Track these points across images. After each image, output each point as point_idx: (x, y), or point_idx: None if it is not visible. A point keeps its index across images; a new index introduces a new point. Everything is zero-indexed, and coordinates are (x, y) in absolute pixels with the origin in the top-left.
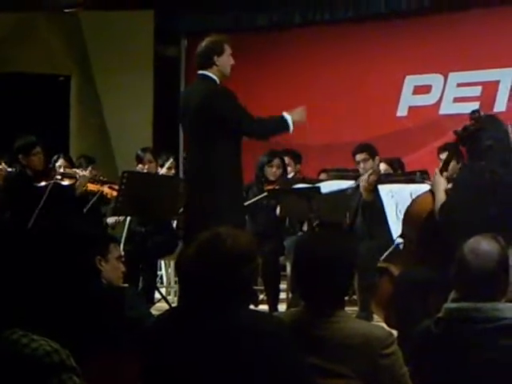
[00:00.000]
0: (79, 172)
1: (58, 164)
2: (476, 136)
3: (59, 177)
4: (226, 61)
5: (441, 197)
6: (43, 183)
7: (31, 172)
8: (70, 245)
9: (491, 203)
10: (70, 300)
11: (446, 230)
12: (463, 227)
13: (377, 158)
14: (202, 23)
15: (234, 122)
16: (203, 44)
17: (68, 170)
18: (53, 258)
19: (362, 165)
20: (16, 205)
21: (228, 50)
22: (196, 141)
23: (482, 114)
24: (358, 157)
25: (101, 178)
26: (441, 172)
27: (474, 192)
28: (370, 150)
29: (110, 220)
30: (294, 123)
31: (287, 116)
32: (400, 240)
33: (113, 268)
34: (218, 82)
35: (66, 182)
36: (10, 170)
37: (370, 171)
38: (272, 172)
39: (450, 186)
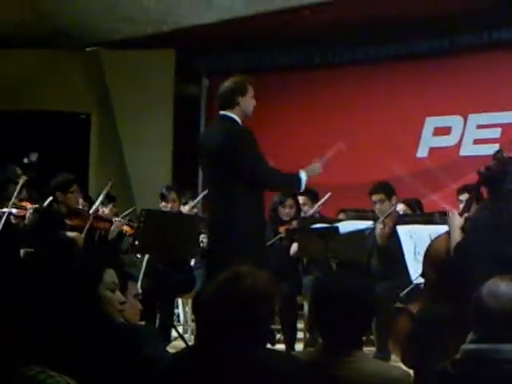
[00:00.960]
0: (116, 218)
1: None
2: (499, 177)
3: (96, 217)
4: (248, 101)
5: (456, 236)
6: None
7: (66, 209)
8: (87, 281)
9: (508, 244)
10: (86, 337)
11: (461, 269)
12: (478, 267)
13: (394, 198)
14: (224, 63)
15: (247, 165)
16: (226, 84)
17: (104, 213)
18: (69, 295)
19: (378, 205)
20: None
21: (251, 90)
22: (214, 182)
23: (504, 154)
24: (375, 197)
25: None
26: (462, 213)
27: (491, 232)
28: (386, 191)
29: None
30: (307, 180)
31: (302, 175)
32: (420, 279)
33: (130, 306)
34: (239, 122)
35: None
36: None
37: (385, 215)
38: (285, 212)
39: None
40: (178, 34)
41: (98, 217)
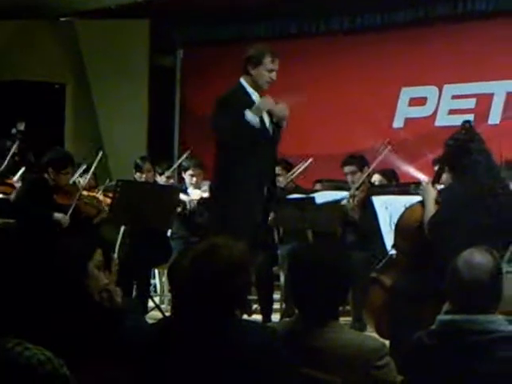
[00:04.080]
0: (104, 206)
1: None
2: (466, 147)
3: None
4: (261, 73)
5: (430, 208)
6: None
7: (57, 190)
8: (78, 257)
9: (482, 215)
10: (64, 307)
11: (435, 242)
12: (453, 239)
13: (366, 169)
14: (199, 33)
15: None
16: (248, 50)
17: (90, 194)
18: (48, 264)
19: (349, 177)
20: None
21: (268, 63)
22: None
23: (472, 125)
24: (347, 169)
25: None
26: (433, 184)
27: (462, 203)
28: (358, 162)
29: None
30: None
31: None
32: (393, 251)
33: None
34: (246, 88)
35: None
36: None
37: (356, 186)
38: None
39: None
40: (153, 3)
41: (86, 202)
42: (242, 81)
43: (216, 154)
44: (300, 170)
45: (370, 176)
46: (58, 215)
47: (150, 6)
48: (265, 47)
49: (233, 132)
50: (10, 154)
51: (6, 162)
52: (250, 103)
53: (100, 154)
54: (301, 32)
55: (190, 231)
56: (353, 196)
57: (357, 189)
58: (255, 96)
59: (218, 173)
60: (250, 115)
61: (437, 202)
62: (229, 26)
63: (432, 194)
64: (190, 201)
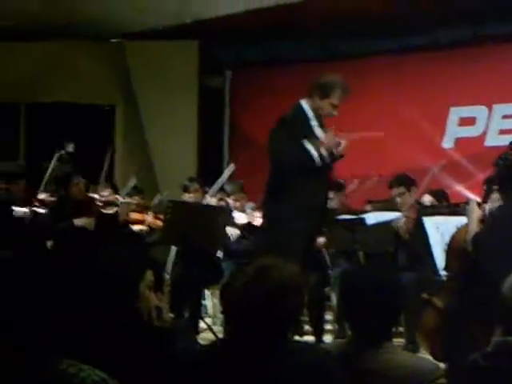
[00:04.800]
0: (120, 198)
1: (104, 193)
2: None
3: (101, 204)
4: (324, 106)
5: (473, 227)
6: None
7: (71, 203)
8: (129, 278)
9: None
10: (115, 328)
11: (481, 260)
12: (500, 258)
13: (414, 189)
14: (247, 54)
15: (270, 152)
16: (322, 76)
17: (110, 197)
18: (108, 290)
19: (398, 199)
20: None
21: (335, 99)
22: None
23: None
24: (394, 191)
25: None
26: (482, 203)
27: (507, 224)
28: (406, 183)
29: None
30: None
31: (309, 147)
32: (445, 272)
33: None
34: (307, 113)
35: (108, 211)
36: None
37: (406, 208)
38: None
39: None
40: (201, 25)
41: (103, 202)
42: (304, 104)
43: (270, 175)
44: (350, 190)
45: (419, 196)
46: (77, 221)
47: (197, 27)
48: (338, 80)
49: (289, 156)
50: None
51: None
52: (309, 129)
53: (136, 177)
54: (352, 52)
55: (239, 253)
56: (404, 217)
57: (407, 210)
58: (314, 123)
59: (271, 193)
60: (309, 146)
61: (481, 221)
62: (276, 47)
63: (476, 213)
64: (232, 234)
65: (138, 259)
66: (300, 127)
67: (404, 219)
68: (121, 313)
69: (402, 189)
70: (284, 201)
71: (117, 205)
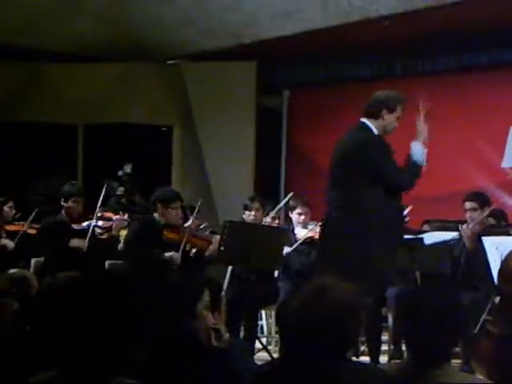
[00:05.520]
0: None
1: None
2: None
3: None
4: (391, 120)
5: None
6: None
7: (164, 222)
8: (188, 298)
9: None
10: (173, 348)
11: None
12: None
13: (486, 208)
14: (305, 75)
15: (387, 176)
16: (379, 94)
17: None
18: (168, 310)
19: (469, 213)
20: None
21: (399, 111)
22: (343, 185)
23: None
24: (468, 205)
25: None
26: None
27: None
28: (480, 200)
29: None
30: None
31: (414, 155)
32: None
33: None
34: (375, 132)
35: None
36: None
37: (475, 222)
38: None
39: None
40: (259, 45)
41: (195, 235)
42: (369, 124)
43: (360, 193)
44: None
45: (488, 216)
46: (168, 254)
47: (255, 48)
48: (399, 94)
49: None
50: (100, 199)
51: (99, 204)
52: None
53: (199, 203)
54: (407, 71)
55: (296, 272)
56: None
57: (474, 225)
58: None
59: (361, 212)
60: (416, 147)
61: None
62: (332, 66)
63: None
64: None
65: (197, 279)
66: (383, 144)
67: (468, 231)
68: (180, 334)
69: (475, 204)
70: (377, 217)
71: (208, 240)
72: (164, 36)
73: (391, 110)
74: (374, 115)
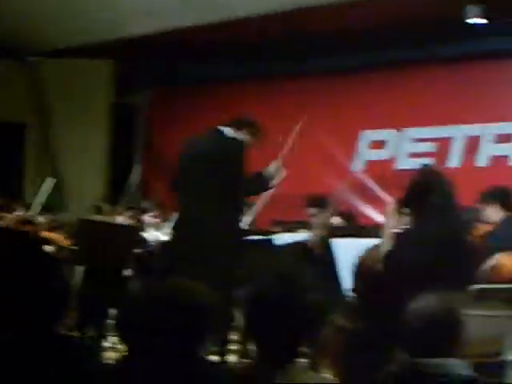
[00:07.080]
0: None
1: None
2: (423, 190)
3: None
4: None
5: (386, 243)
6: None
7: None
8: None
9: (432, 258)
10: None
11: (387, 280)
12: (403, 280)
13: (328, 210)
14: (165, 74)
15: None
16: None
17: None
18: None
19: (313, 219)
20: None
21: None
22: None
23: (431, 168)
24: (309, 210)
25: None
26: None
27: (414, 245)
28: (321, 204)
29: None
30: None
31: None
32: (351, 294)
33: None
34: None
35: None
36: None
37: (320, 228)
38: None
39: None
40: (118, 43)
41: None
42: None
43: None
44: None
45: (330, 217)
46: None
47: (114, 45)
48: (259, 126)
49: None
50: None
51: None
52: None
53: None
54: (266, 73)
55: (148, 272)
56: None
57: (319, 230)
58: None
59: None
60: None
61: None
62: (194, 66)
63: (391, 224)
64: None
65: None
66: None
67: (315, 236)
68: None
69: (314, 210)
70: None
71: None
72: (24, 31)
73: (254, 133)
74: (237, 128)
